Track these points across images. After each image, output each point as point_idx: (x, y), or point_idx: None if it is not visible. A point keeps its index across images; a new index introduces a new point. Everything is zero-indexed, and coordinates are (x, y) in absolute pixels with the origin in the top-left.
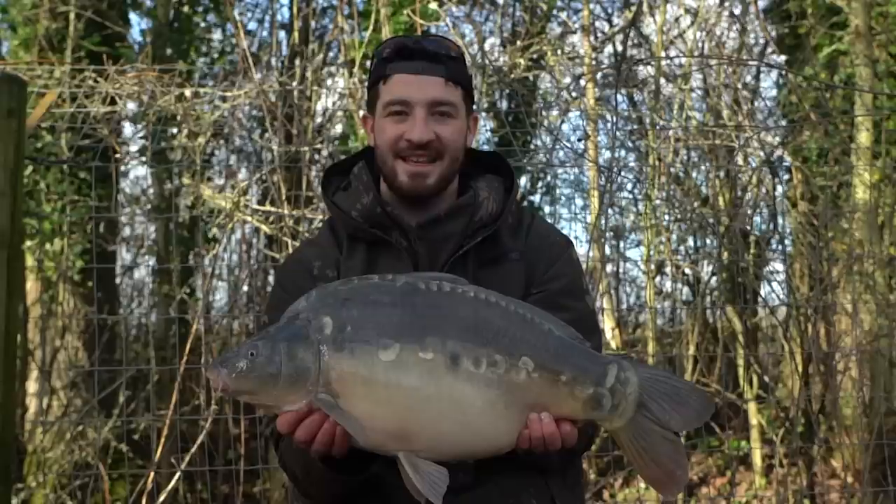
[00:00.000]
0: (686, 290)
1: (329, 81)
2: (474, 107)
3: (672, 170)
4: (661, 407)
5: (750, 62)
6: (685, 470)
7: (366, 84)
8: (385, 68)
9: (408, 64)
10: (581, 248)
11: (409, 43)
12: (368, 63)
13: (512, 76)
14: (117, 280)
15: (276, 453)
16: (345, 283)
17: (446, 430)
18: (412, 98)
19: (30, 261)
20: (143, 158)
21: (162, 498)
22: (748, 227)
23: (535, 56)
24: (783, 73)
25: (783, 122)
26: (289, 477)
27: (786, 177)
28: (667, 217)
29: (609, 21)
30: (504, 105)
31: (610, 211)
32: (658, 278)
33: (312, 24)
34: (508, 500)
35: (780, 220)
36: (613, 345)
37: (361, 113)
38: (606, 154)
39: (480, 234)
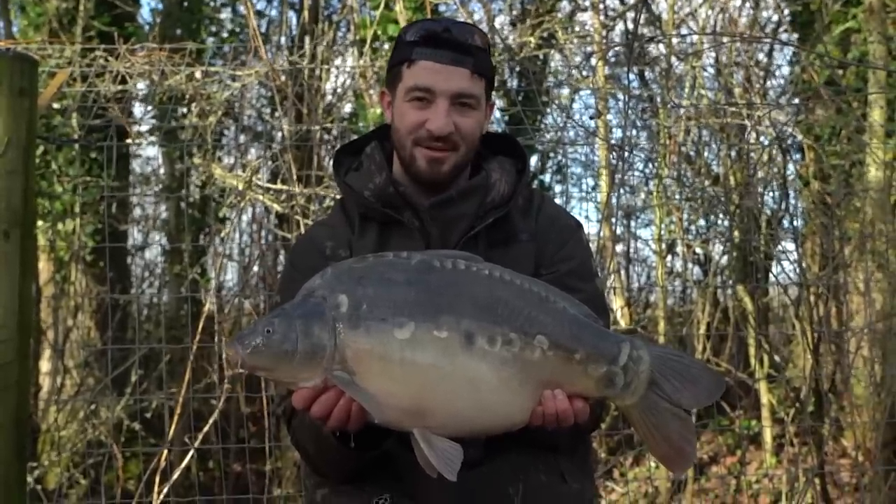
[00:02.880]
0: (697, 269)
1: (339, 60)
2: (492, 94)
3: (683, 148)
4: (673, 385)
5: (762, 39)
6: (694, 447)
7: (375, 62)
8: (411, 52)
9: (436, 52)
10: (592, 227)
11: (439, 30)
12: (378, 43)
13: (522, 54)
14: (129, 260)
15: (288, 431)
16: (360, 261)
17: (461, 408)
18: (437, 87)
19: (42, 241)
20: (154, 138)
21: (175, 476)
22: (759, 206)
23: (545, 34)
24: (796, 50)
25: (795, 101)
26: (301, 455)
27: (797, 155)
28: (678, 196)
29: None
30: (514, 84)
31: (621, 190)
32: (669, 257)
33: (322, 2)
34: (518, 475)
35: (791, 199)
36: (623, 323)
37: (372, 92)
38: (617, 133)
39: (492, 216)
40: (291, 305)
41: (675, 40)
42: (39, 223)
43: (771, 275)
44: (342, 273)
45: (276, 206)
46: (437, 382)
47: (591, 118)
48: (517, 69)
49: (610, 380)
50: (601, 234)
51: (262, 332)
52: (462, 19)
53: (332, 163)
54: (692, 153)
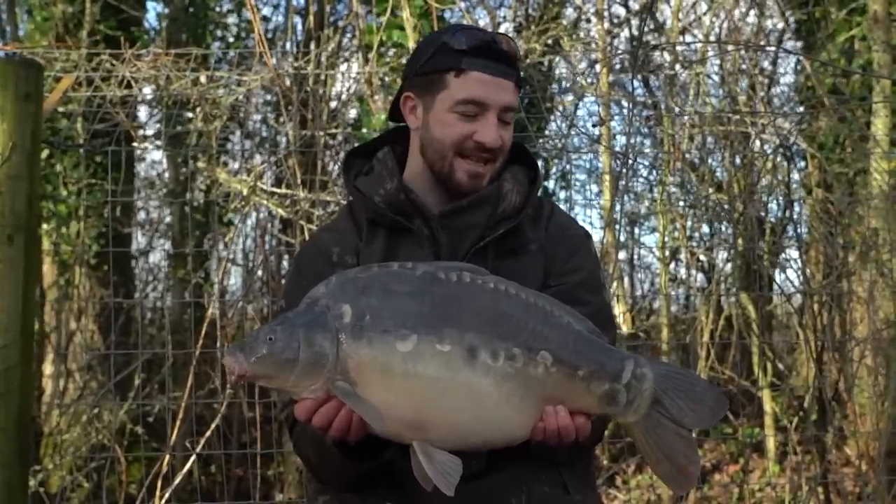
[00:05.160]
0: (700, 276)
1: (344, 66)
2: None
3: (687, 156)
4: (676, 404)
5: (767, 48)
6: (697, 467)
7: (381, 69)
8: (461, 61)
9: (488, 64)
10: (596, 234)
11: (488, 40)
12: (384, 48)
13: (527, 61)
14: (133, 264)
15: (291, 439)
16: (364, 271)
17: (462, 422)
18: (489, 101)
19: (46, 244)
20: (159, 143)
21: (177, 481)
22: (763, 214)
23: (550, 41)
24: (800, 58)
25: (800, 109)
26: (303, 462)
27: (801, 163)
28: (682, 203)
29: (626, 5)
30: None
31: (625, 197)
32: (672, 265)
33: (327, 8)
34: (521, 486)
35: (795, 207)
36: (625, 329)
37: (377, 98)
38: (621, 140)
39: (503, 226)
40: (295, 314)
41: (679, 48)
42: (44, 226)
43: (774, 283)
44: (346, 283)
45: (281, 211)
46: (439, 396)
47: (593, 125)
48: (521, 76)
49: (612, 397)
50: (604, 240)
51: (265, 339)
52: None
53: (342, 166)
54: (696, 160)
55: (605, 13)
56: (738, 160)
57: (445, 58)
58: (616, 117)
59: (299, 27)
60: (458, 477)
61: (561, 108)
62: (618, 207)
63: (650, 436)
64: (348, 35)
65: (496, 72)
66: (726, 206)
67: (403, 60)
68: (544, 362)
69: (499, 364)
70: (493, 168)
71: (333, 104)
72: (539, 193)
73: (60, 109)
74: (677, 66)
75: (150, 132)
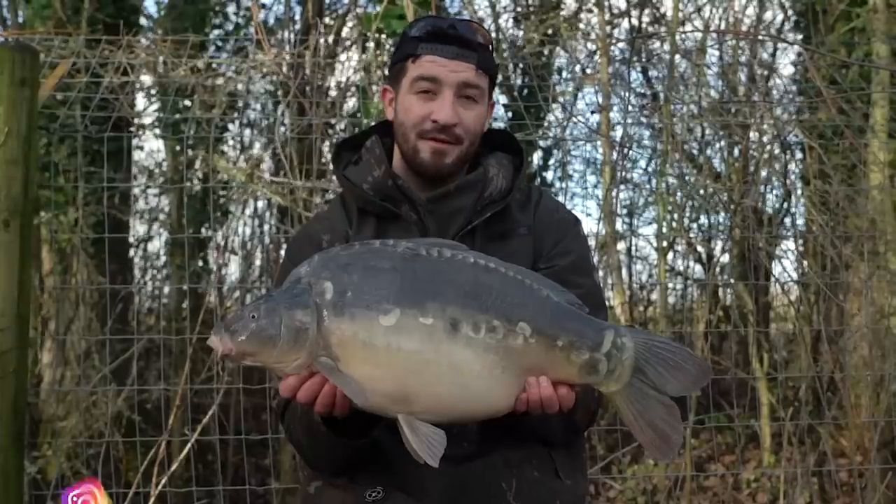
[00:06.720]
0: (698, 267)
1: (343, 55)
2: (493, 93)
3: (686, 146)
4: (657, 372)
5: (766, 38)
6: (680, 434)
7: (380, 57)
8: (416, 47)
9: (441, 47)
10: (593, 225)
11: (445, 26)
12: (383, 37)
13: (526, 50)
14: (131, 252)
15: (283, 424)
16: (346, 249)
17: (445, 394)
18: (442, 77)
19: (44, 232)
20: (157, 130)
21: (173, 467)
22: (761, 205)
23: (549, 31)
24: (800, 50)
25: (798, 99)
26: (294, 448)
27: (799, 154)
28: (679, 194)
29: None
30: (518, 80)
31: (622, 186)
32: (670, 255)
33: None
34: (511, 469)
35: (793, 198)
36: (622, 321)
37: (374, 88)
38: (620, 130)
39: (489, 210)
40: (278, 292)
41: (678, 38)
42: (42, 214)
43: (772, 274)
44: (328, 260)
45: (278, 199)
46: (422, 368)
47: (591, 112)
48: (520, 65)
49: (593, 367)
50: (601, 231)
51: (248, 317)
52: (467, 15)
53: (332, 156)
54: (695, 151)
55: (606, 3)
56: (736, 151)
57: (405, 47)
58: (615, 107)
59: (298, 16)
60: (442, 449)
61: (562, 97)
62: (614, 197)
63: (632, 404)
64: (349, 24)
65: (450, 54)
66: (724, 197)
67: None
68: (523, 333)
69: (480, 336)
70: (461, 149)
71: (333, 93)
72: (537, 183)
73: (58, 97)
74: (676, 57)
75: (148, 120)
